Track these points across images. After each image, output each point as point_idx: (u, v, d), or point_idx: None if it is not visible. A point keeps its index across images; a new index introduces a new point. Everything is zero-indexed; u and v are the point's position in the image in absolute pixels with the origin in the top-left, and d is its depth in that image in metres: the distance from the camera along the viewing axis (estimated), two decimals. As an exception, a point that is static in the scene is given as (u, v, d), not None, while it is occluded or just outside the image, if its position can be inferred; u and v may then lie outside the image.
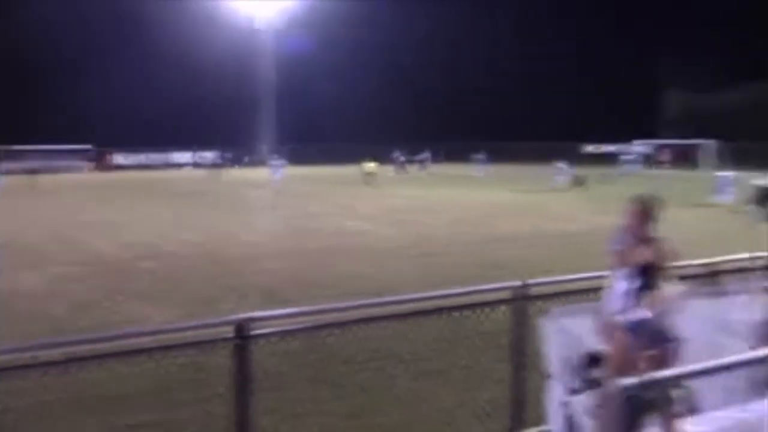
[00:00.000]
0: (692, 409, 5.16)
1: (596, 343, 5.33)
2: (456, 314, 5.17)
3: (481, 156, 53.45)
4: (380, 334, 5.24)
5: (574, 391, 5.19)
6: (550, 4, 77.98)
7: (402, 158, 54.48)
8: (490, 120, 76.36)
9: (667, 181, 37.62)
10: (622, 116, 69.28)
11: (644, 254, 5.06)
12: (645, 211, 5.17)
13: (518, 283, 5.36)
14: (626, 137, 65.69)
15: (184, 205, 30.08)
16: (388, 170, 50.48)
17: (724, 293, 6.19)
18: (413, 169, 53.64)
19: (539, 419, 5.41)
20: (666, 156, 59.61)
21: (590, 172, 42.40)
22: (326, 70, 71.06)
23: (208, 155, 61.29)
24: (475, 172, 50.30)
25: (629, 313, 5.08)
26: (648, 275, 5.06)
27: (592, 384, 5.19)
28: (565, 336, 5.21)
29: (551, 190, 37.06)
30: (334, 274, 14.30)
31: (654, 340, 5.00)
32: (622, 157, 53.28)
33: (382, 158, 46.22)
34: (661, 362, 4.84)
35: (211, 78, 66.71)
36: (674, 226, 6.91)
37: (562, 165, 41.00)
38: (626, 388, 2.53)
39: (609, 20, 77.14)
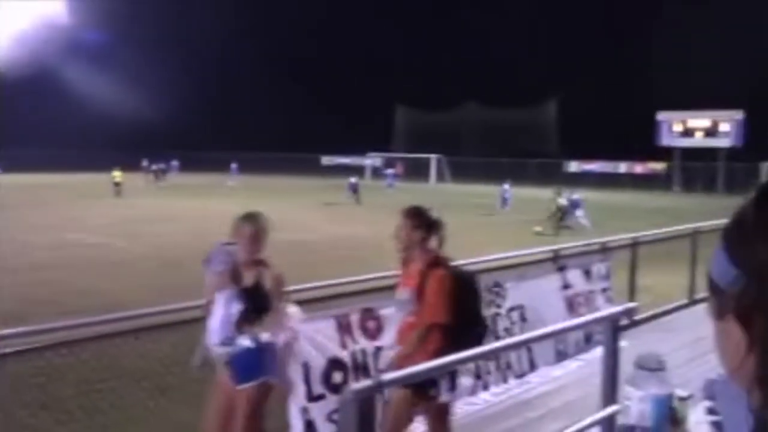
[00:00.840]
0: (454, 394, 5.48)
1: (337, 349, 5.50)
2: (190, 327, 5.04)
3: (234, 165, 53.47)
4: (113, 352, 4.94)
5: (314, 397, 5.29)
6: (291, 19, 79.48)
7: (154, 167, 52.24)
8: (240, 130, 76.27)
9: (416, 193, 39.88)
10: (358, 130, 72.47)
11: (249, 277, 4.59)
12: (257, 231, 4.77)
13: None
14: (361, 150, 68.95)
15: None
16: (139, 179, 48.53)
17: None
18: (167, 178, 51.61)
19: (284, 427, 5.45)
20: (399, 169, 63.44)
21: (329, 183, 43.75)
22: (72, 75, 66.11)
23: None
24: (229, 182, 50.11)
25: (227, 342, 4.56)
26: (254, 300, 4.56)
27: (333, 389, 5.34)
28: (305, 343, 5.30)
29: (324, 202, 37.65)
30: (60, 290, 13.23)
31: (263, 371, 4.61)
32: (387, 171, 54.12)
33: (133, 167, 43.84)
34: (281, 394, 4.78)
35: None
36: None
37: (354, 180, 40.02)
38: (362, 391, 2.63)
39: (346, 37, 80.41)
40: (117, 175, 38.18)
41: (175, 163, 54.59)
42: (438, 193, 34.04)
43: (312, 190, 45.77)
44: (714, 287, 0.95)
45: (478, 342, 4.41)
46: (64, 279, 14.44)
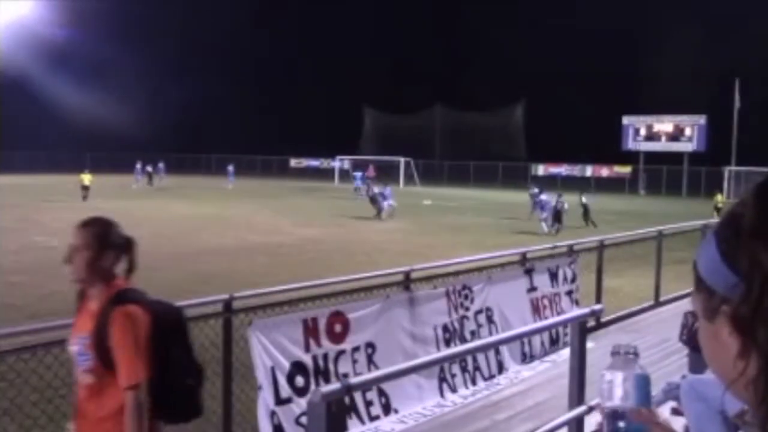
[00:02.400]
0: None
1: (300, 353, 5.48)
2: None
3: (230, 168, 53.96)
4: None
5: (282, 401, 5.27)
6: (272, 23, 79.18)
7: (149, 168, 52.29)
8: (210, 133, 76.01)
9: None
10: (325, 132, 72.33)
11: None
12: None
13: (226, 296, 5.32)
14: (329, 153, 68.87)
15: None
16: (132, 182, 48.70)
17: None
18: (157, 180, 51.53)
19: (252, 431, 5.41)
20: (370, 171, 63.38)
21: (296, 185, 43.58)
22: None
23: None
24: (228, 185, 50.58)
25: None
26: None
27: (299, 392, 5.32)
28: (272, 346, 5.28)
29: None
30: (26, 294, 12.99)
31: None
32: (356, 174, 52.33)
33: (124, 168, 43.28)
34: None
35: None
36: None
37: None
38: (330, 394, 2.63)
39: (314, 40, 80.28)
40: (85, 177, 36.69)
41: (161, 165, 54.19)
42: (414, 195, 34.16)
43: (295, 191, 45.60)
44: (704, 286, 0.91)
45: (191, 398, 3.23)
46: (28, 282, 14.18)
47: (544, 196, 27.27)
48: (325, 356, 5.65)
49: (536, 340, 7.77)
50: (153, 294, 3.41)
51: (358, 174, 49.15)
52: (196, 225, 25.76)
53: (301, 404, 5.22)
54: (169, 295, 4.69)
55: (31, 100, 65.03)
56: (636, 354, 1.37)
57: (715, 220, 18.67)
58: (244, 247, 20.36)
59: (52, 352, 4.57)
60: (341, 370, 5.69)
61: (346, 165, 67.35)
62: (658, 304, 10.01)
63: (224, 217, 29.31)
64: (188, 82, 74.15)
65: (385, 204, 30.10)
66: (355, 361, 5.87)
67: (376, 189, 29.90)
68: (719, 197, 35.31)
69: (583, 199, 28.75)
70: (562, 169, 64.76)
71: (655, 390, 4.50)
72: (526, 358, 7.66)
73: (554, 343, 8.06)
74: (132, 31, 72.65)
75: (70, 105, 65.45)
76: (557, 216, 26.18)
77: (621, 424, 1.27)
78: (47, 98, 65.46)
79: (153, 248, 19.48)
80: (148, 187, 48.61)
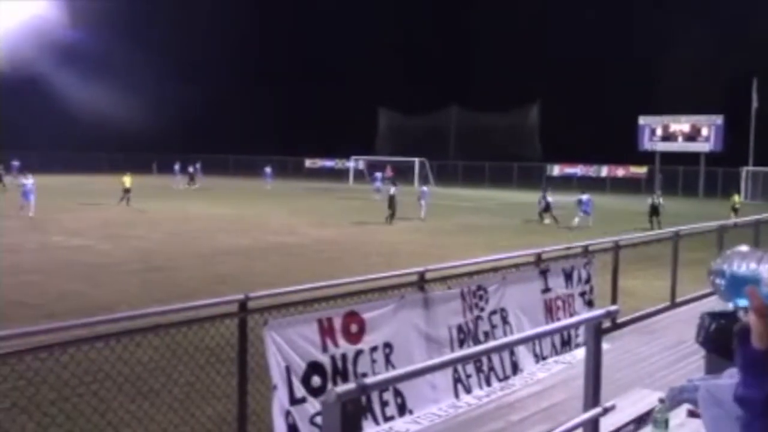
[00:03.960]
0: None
1: (317, 353, 5.49)
2: (174, 331, 5.00)
3: (268, 170, 54.85)
4: (93, 356, 4.90)
5: (297, 401, 5.28)
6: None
7: (191, 169, 52.97)
8: (227, 133, 76.40)
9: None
10: (340, 132, 72.39)
11: None
12: None
13: (241, 296, 5.33)
14: (344, 153, 68.97)
15: None
16: (174, 182, 49.87)
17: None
18: (199, 180, 52.38)
19: (268, 430, 5.42)
20: (389, 172, 63.40)
21: (314, 185, 43.62)
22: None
23: None
24: (267, 186, 51.31)
25: None
26: None
27: (315, 392, 5.33)
28: (287, 346, 5.29)
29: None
30: (43, 293, 13.11)
31: None
32: (376, 174, 51.49)
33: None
34: None
35: None
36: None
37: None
38: (345, 394, 2.63)
39: (329, 41, 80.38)
40: (126, 179, 35.20)
41: (198, 165, 54.83)
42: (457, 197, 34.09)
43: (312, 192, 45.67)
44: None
45: None
46: (54, 282, 14.30)
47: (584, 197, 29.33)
48: (344, 356, 5.65)
49: (547, 340, 7.74)
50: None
51: (378, 175, 48.96)
52: (218, 225, 25.93)
53: (315, 404, 5.22)
54: (187, 293, 4.72)
55: (39, 100, 65.58)
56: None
57: (732, 220, 18.53)
58: (262, 247, 20.44)
59: (68, 351, 4.60)
60: (360, 370, 5.69)
61: (361, 165, 67.39)
62: (674, 305, 9.93)
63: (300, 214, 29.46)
64: (201, 83, 74.60)
65: (422, 203, 30.42)
66: (374, 362, 5.87)
67: (393, 189, 29.71)
68: (736, 198, 35.09)
69: (548, 198, 30.07)
70: (578, 170, 64.46)
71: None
72: (538, 358, 7.64)
73: (566, 344, 8.03)
74: (143, 31, 72.99)
75: (79, 104, 65.87)
76: (547, 208, 29.30)
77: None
78: (55, 98, 65.85)
79: (180, 247, 19.64)
80: (187, 187, 49.23)
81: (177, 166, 53.70)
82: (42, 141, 64.64)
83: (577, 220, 27.89)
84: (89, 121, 67.49)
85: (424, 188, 32.72)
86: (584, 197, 29.01)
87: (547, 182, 40.17)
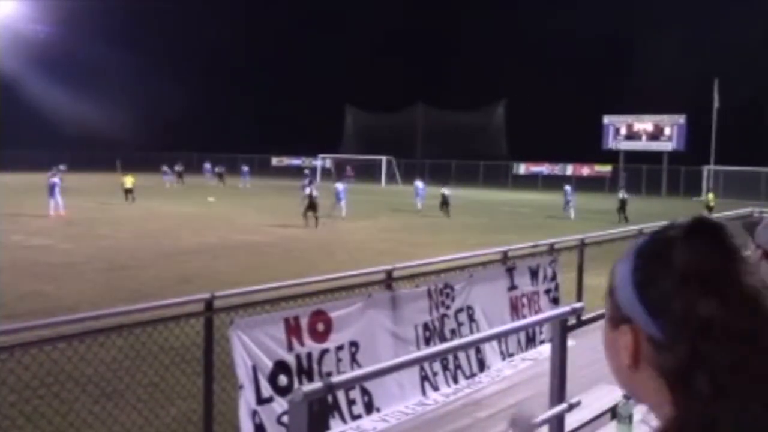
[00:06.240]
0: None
1: (283, 352, 5.46)
2: (138, 331, 4.94)
3: (245, 168, 54.86)
4: (55, 357, 4.82)
5: (264, 400, 5.25)
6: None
7: (178, 168, 54.20)
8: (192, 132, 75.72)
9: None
10: (307, 130, 72.18)
11: None
12: None
13: (207, 295, 5.29)
14: (311, 151, 68.78)
15: None
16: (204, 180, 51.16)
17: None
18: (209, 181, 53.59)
19: (233, 430, 5.39)
20: (350, 171, 63.52)
21: (281, 183, 43.41)
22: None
23: None
24: (240, 184, 51.42)
25: None
26: None
27: (282, 392, 5.30)
28: (254, 345, 5.26)
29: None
30: (2, 293, 12.84)
31: None
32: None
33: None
34: None
35: None
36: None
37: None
38: (312, 393, 2.62)
39: (296, 40, 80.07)
40: (129, 180, 35.48)
41: (218, 167, 56.47)
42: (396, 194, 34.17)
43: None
44: (613, 298, 0.94)
45: None
46: (14, 283, 14.02)
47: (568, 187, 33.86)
48: (309, 355, 5.63)
49: (513, 338, 7.80)
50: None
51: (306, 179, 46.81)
52: (184, 223, 25.62)
53: (282, 403, 5.20)
54: (152, 292, 4.67)
55: (15, 100, 64.45)
56: None
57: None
58: (227, 245, 20.30)
59: (30, 353, 4.52)
60: (325, 369, 5.68)
61: (328, 164, 67.27)
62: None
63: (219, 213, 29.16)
64: (168, 82, 73.71)
65: (342, 203, 29.52)
66: (339, 360, 5.86)
67: (309, 189, 26.58)
68: (711, 196, 36.00)
69: (445, 191, 31.37)
70: (544, 168, 65.05)
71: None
72: (504, 356, 7.70)
73: (531, 341, 8.11)
74: (115, 31, 72.13)
75: (55, 105, 64.97)
76: (445, 201, 30.93)
77: None
78: (31, 97, 64.83)
79: (144, 246, 19.40)
80: (221, 186, 50.61)
81: (207, 166, 56.76)
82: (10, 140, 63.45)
83: (571, 212, 31.91)
84: (56, 119, 66.52)
85: (339, 185, 30.89)
86: (567, 187, 33.90)
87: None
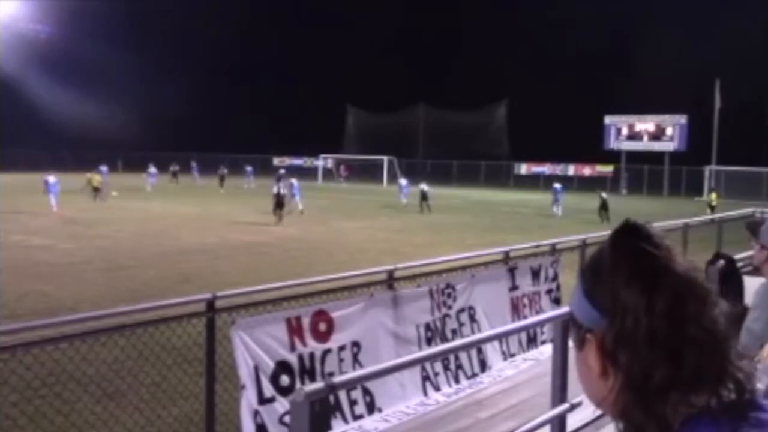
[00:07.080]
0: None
1: (285, 352, 5.46)
2: (140, 331, 4.94)
3: (249, 168, 54.65)
4: (57, 357, 4.83)
5: (265, 400, 5.25)
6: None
7: (174, 168, 54.39)
8: (193, 132, 75.64)
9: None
10: (309, 131, 72.11)
11: None
12: None
13: (209, 295, 5.29)
14: (312, 151, 68.76)
15: None
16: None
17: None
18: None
19: (235, 430, 5.39)
20: (344, 171, 63.47)
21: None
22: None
23: None
24: (244, 184, 51.04)
25: None
26: None
27: (284, 392, 5.30)
28: (255, 345, 5.26)
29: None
30: (3, 292, 12.85)
31: None
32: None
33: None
34: None
35: None
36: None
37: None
38: (313, 393, 2.62)
39: (297, 39, 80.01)
40: (95, 179, 35.21)
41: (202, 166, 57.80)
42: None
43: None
44: (574, 321, 1.04)
45: None
46: (15, 283, 14.03)
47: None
48: (311, 355, 5.63)
49: (515, 338, 7.80)
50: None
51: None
52: (183, 223, 25.63)
53: (284, 403, 5.19)
54: (153, 292, 4.67)
55: (16, 100, 64.52)
56: None
57: (708, 217, 18.99)
58: (227, 245, 20.29)
59: (32, 353, 4.52)
60: (327, 369, 5.68)
61: (330, 164, 67.25)
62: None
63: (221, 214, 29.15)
64: (169, 82, 73.68)
65: (296, 198, 30.34)
66: (341, 360, 5.87)
67: (277, 187, 27.49)
68: (713, 195, 36.06)
69: (424, 187, 32.74)
70: (545, 168, 65.00)
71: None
72: (505, 356, 7.70)
73: (532, 342, 8.11)
74: (116, 31, 72.06)
75: (56, 105, 65.04)
76: (424, 196, 32.48)
77: None
78: (31, 97, 64.89)
79: (144, 246, 19.40)
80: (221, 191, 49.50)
81: (151, 167, 53.99)
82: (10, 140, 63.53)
83: (558, 210, 32.53)
84: (56, 119, 66.56)
85: (294, 181, 31.68)
86: (557, 186, 34.34)
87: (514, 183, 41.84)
